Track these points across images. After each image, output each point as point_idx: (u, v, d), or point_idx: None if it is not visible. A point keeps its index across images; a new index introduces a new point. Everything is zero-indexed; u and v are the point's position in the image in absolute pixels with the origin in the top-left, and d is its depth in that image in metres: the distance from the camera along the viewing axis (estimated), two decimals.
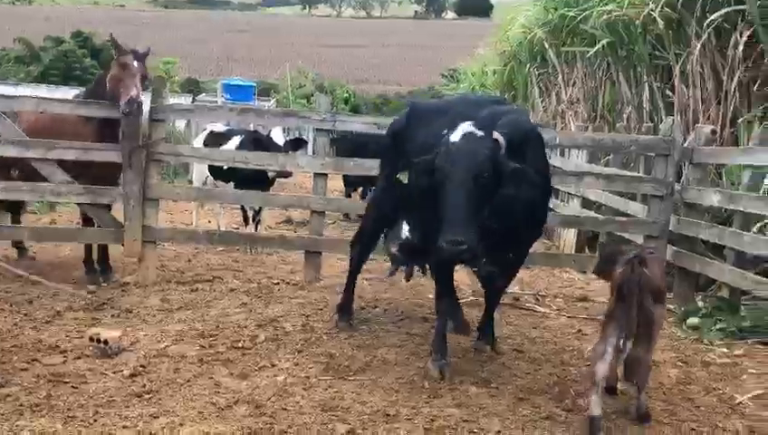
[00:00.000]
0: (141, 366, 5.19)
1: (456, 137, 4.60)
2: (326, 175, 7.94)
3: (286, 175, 10.05)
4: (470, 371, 5.35)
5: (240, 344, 5.80)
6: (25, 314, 6.32)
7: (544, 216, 5.53)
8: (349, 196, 13.60)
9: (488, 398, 4.93)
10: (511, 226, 4.91)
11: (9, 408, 4.48)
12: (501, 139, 4.60)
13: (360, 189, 13.96)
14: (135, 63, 7.10)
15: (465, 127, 4.64)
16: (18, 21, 72.35)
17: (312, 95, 39.98)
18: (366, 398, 4.84)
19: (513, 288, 7.52)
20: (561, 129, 13.96)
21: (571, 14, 13.33)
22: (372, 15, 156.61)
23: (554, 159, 11.30)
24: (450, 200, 4.45)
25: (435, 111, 5.66)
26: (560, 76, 15.03)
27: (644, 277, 4.34)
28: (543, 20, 15.07)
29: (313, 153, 8.44)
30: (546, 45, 14.99)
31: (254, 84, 34.91)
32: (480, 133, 4.62)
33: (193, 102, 26.67)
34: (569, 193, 10.83)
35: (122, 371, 5.10)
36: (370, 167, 8.15)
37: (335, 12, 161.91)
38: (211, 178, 10.26)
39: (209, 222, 11.66)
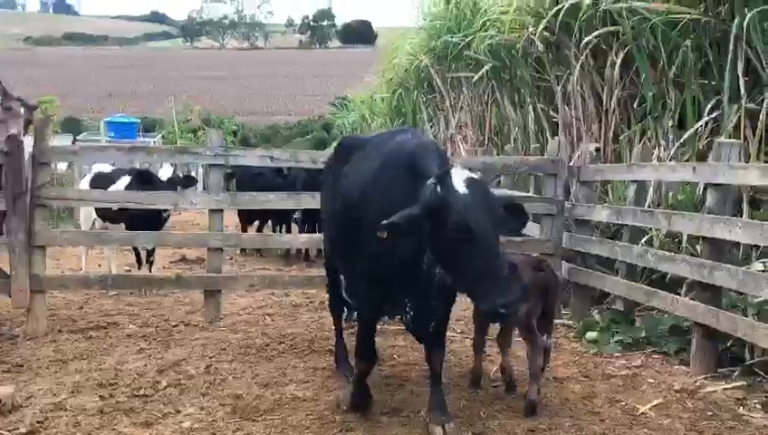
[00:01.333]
0: (38, 422, 4.96)
1: (460, 184, 3.96)
2: (221, 211, 7.85)
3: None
4: (380, 401, 5.35)
5: (142, 392, 5.62)
6: None
7: None
8: (245, 230, 13.44)
9: (400, 426, 4.95)
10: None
11: None
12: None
13: (257, 223, 13.84)
14: (21, 109, 6.95)
15: (461, 171, 4.06)
16: None
17: (199, 129, 39.47)
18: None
19: None
20: (452, 153, 14.25)
21: (454, 40, 13.69)
22: (257, 46, 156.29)
23: None
24: (486, 258, 3.87)
25: (359, 146, 5.40)
26: (447, 102, 15.36)
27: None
28: (428, 47, 15.41)
29: (204, 189, 8.32)
30: (432, 72, 15.33)
31: (138, 121, 34.24)
32: (478, 175, 4.15)
33: (74, 142, 25.92)
34: None
35: (18, 428, 4.86)
36: (265, 201, 8.12)
37: (218, 44, 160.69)
38: (99, 220, 9.96)
39: (99, 266, 11.30)
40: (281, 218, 13.23)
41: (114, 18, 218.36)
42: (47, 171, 7.63)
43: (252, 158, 8.29)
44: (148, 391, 5.64)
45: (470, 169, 4.16)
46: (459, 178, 3.97)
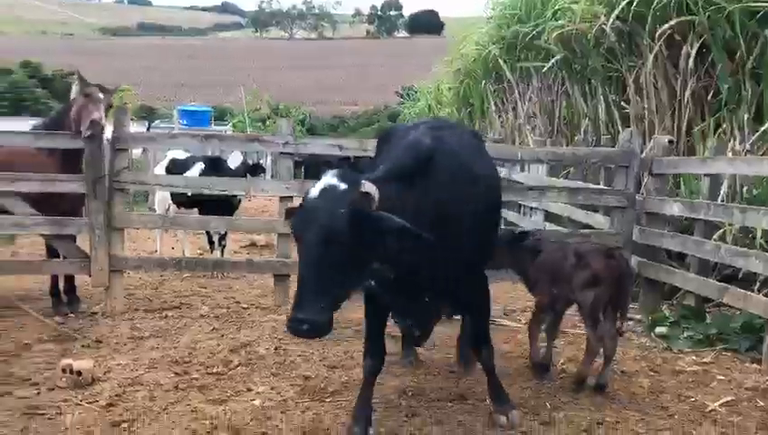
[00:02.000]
0: (116, 395, 5.16)
1: (313, 192, 3.78)
2: (291, 198, 7.97)
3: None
4: (446, 388, 5.40)
5: (214, 370, 5.79)
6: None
7: (480, 251, 4.77)
8: None
9: (465, 414, 4.99)
10: (434, 274, 4.29)
11: None
12: (373, 190, 3.76)
13: None
14: (100, 94, 7.11)
15: (327, 179, 3.80)
16: None
17: (268, 118, 39.94)
18: (344, 419, 4.85)
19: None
20: (520, 144, 14.16)
21: (524, 30, 13.57)
22: (324, 36, 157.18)
23: (516, 174, 11.48)
24: (300, 271, 3.72)
25: (384, 139, 5.23)
26: (516, 92, 15.25)
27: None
28: (497, 37, 15.30)
29: (272, 177, 8.40)
30: (501, 62, 15.22)
31: (210, 109, 34.76)
32: (342, 186, 3.74)
33: (148, 130, 26.48)
34: (531, 207, 10.99)
35: (98, 401, 5.06)
36: None
37: (287, 34, 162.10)
38: (173, 205, 10.21)
39: (173, 248, 11.59)
40: None
41: (186, 9, 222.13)
42: (125, 157, 7.86)
43: (320, 146, 8.39)
44: (221, 370, 5.80)
45: (349, 175, 3.83)
46: (318, 184, 3.80)
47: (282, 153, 7.97)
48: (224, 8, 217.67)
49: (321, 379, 5.61)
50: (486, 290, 4.86)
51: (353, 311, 7.68)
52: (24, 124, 8.64)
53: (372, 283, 4.03)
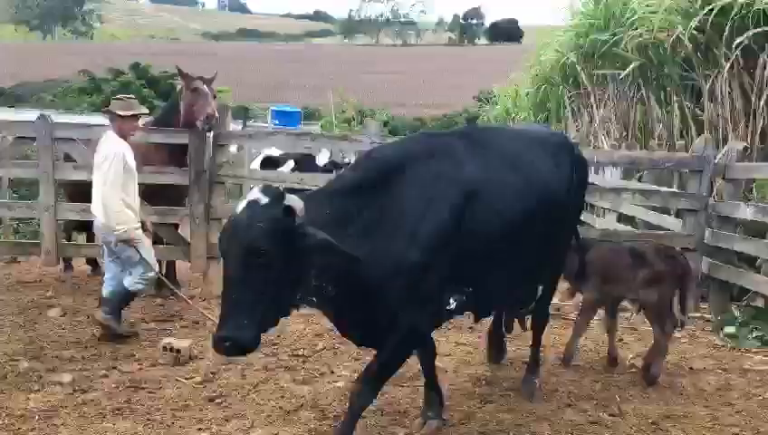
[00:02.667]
0: (211, 373, 5.29)
1: (238, 207, 3.54)
2: None
3: None
4: (519, 378, 5.35)
5: (301, 353, 5.88)
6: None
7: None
8: None
9: (537, 404, 4.94)
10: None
11: (93, 411, 4.62)
12: (297, 203, 3.46)
13: None
14: (205, 87, 7.24)
15: (253, 193, 3.55)
16: (81, 54, 73.95)
17: (353, 119, 40.21)
18: (420, 403, 4.86)
19: (555, 299, 7.49)
20: (594, 148, 13.90)
21: (602, 38, 13.31)
22: (408, 43, 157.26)
23: (590, 177, 11.26)
24: (223, 288, 3.48)
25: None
26: (592, 97, 14.98)
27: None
28: (575, 44, 15.06)
29: None
30: (578, 68, 14.96)
31: (300, 110, 35.21)
32: (265, 201, 3.47)
33: (244, 128, 27.01)
34: (603, 208, 10.77)
35: (194, 377, 5.20)
36: None
37: (374, 41, 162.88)
38: None
39: None
40: None
41: (282, 16, 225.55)
42: (225, 152, 8.04)
43: None
44: (307, 352, 5.88)
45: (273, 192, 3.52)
46: (244, 199, 3.56)
47: None
48: (316, 16, 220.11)
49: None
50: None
51: None
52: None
53: (314, 299, 3.68)
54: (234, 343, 3.37)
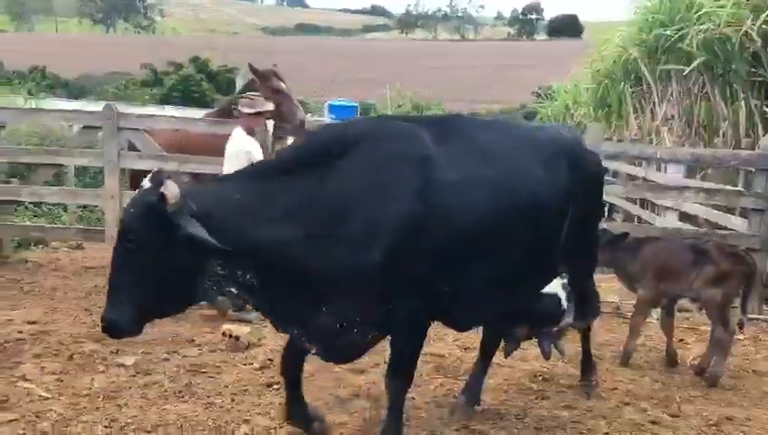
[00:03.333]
0: (269, 360, 5.37)
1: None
2: None
3: None
4: (576, 375, 5.30)
5: None
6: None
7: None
8: None
9: (594, 401, 4.90)
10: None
11: (155, 393, 4.74)
12: (171, 190, 3.33)
13: None
14: (284, 85, 7.24)
15: (145, 181, 3.49)
16: (143, 48, 75.52)
17: (409, 114, 40.21)
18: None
19: (613, 297, 7.41)
20: (656, 144, 13.67)
21: (667, 33, 13.08)
22: (467, 38, 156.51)
23: (651, 174, 11.08)
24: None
25: None
26: (654, 94, 14.73)
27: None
28: (638, 39, 14.83)
29: None
30: (641, 64, 14.74)
31: (357, 105, 35.33)
32: (146, 187, 3.43)
33: None
34: (665, 206, 10.58)
35: (253, 363, 5.29)
36: None
37: (431, 35, 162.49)
38: None
39: None
40: None
41: (338, 11, 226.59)
42: (284, 145, 8.14)
43: None
44: None
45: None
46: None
47: None
48: (373, 11, 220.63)
49: (454, 358, 5.64)
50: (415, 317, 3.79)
51: None
52: (197, 113, 9.08)
53: (234, 290, 3.51)
54: (110, 325, 3.45)
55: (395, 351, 3.91)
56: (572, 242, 4.29)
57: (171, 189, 3.29)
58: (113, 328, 3.47)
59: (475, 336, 6.17)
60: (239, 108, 6.50)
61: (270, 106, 6.72)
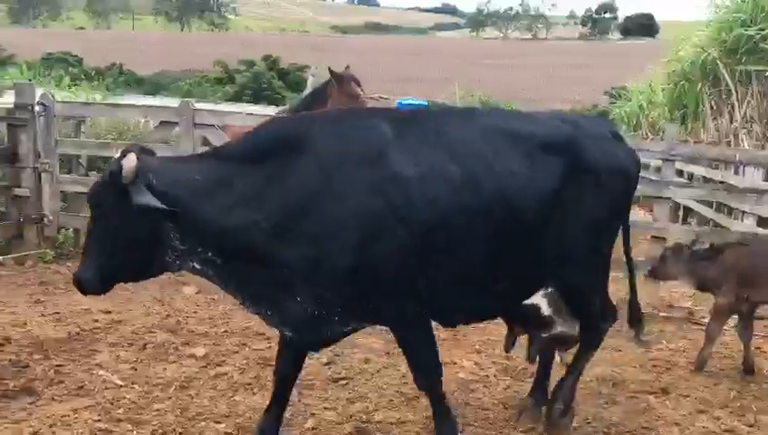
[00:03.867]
0: (336, 355, 5.41)
1: None
2: None
3: None
4: (648, 381, 5.20)
5: None
6: (234, 303, 6.70)
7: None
8: None
9: (667, 408, 4.79)
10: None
11: (225, 385, 4.84)
12: (128, 162, 3.45)
13: None
14: (361, 91, 7.01)
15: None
16: (216, 46, 77.02)
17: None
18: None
19: (687, 303, 7.24)
20: (734, 146, 13.28)
21: (748, 33, 12.69)
22: (538, 37, 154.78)
23: (729, 177, 10.77)
24: None
25: None
26: (733, 95, 14.30)
27: None
28: (717, 40, 14.42)
29: None
30: (720, 65, 14.33)
31: (426, 103, 35.35)
32: (115, 157, 3.62)
33: None
34: (743, 211, 10.26)
35: (320, 358, 5.33)
36: None
37: (502, 34, 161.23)
38: None
39: None
40: None
41: (408, 10, 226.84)
42: None
43: None
44: None
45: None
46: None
47: None
48: (443, 9, 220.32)
49: (521, 360, 5.57)
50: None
51: None
52: (269, 110, 9.20)
53: (197, 266, 3.60)
54: (79, 283, 3.67)
55: (403, 352, 3.95)
56: (573, 245, 3.97)
57: (129, 162, 3.45)
58: (81, 286, 3.69)
59: None
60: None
61: None
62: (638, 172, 4.35)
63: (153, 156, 3.68)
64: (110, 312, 6.25)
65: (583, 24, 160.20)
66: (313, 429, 4.33)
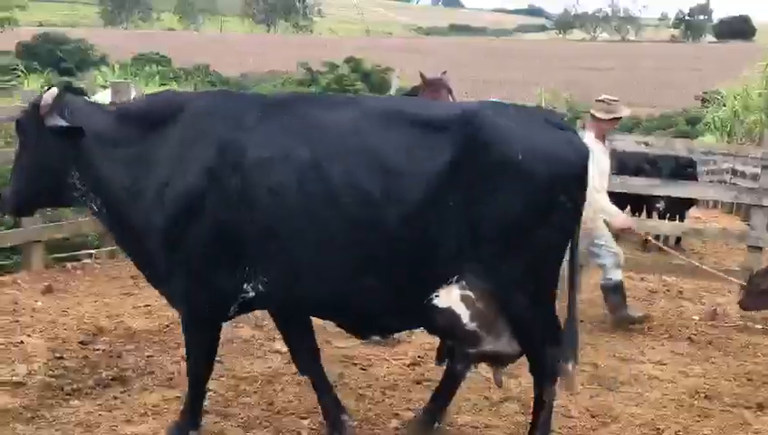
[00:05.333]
0: (419, 356, 5.43)
1: None
2: None
3: None
4: (743, 394, 5.03)
5: None
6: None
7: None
8: None
9: (764, 424, 4.62)
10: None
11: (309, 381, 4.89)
12: (48, 95, 3.88)
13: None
14: (453, 99, 6.67)
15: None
16: (300, 48, 78.15)
17: (564, 116, 39.37)
18: (633, 410, 4.74)
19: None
20: None
21: None
22: (627, 39, 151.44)
23: None
24: None
25: None
26: None
27: None
28: None
29: None
30: None
31: (509, 105, 35.04)
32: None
33: None
34: None
35: (403, 359, 5.37)
36: (634, 185, 7.90)
37: (589, 36, 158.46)
38: None
39: None
40: (639, 205, 12.69)
41: (493, 11, 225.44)
42: None
43: (627, 142, 8.10)
44: None
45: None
46: None
47: None
48: (529, 11, 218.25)
49: (610, 368, 5.48)
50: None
51: (645, 310, 7.39)
52: None
53: (94, 207, 3.99)
54: (1, 204, 4.21)
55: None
56: (486, 240, 3.58)
57: (47, 97, 3.88)
58: (1, 207, 4.28)
59: (633, 347, 6.01)
60: (592, 112, 6.37)
61: (626, 111, 6.61)
62: (581, 165, 3.71)
63: (79, 97, 4.16)
64: None
65: (675, 26, 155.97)
66: (396, 429, 4.34)
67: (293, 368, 5.07)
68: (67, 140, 3.82)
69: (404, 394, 4.78)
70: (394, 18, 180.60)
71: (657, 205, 11.63)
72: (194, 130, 3.72)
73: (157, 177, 3.72)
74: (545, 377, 3.87)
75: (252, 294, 3.74)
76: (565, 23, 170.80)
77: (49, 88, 4.07)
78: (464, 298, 3.66)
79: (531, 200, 3.58)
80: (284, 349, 5.38)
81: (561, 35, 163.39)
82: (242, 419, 4.33)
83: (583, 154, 3.74)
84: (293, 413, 4.42)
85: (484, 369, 5.23)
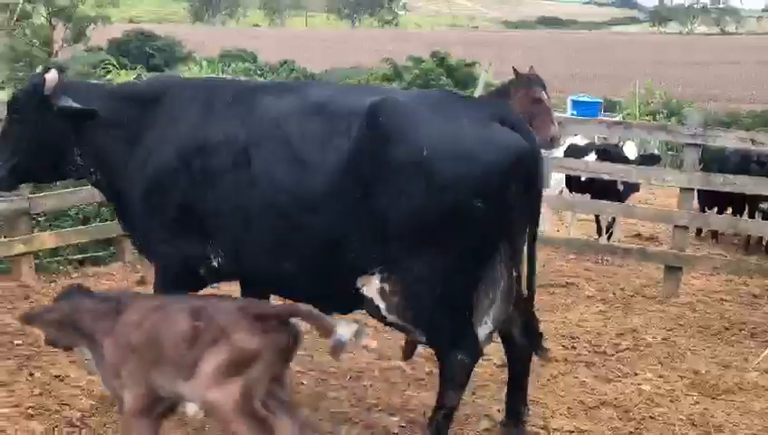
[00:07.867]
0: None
1: None
2: (692, 190, 7.60)
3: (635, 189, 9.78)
4: None
5: (601, 350, 5.77)
6: None
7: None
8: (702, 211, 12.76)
9: None
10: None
11: (397, 378, 5.11)
12: (51, 76, 4.15)
13: (716, 208, 12.99)
14: (546, 96, 6.62)
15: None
16: (385, 42, 78.48)
17: (659, 113, 38.27)
18: (737, 419, 4.60)
19: None
20: None
21: None
22: (726, 32, 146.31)
23: None
24: None
25: None
26: None
27: None
28: None
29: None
30: None
31: (600, 101, 34.29)
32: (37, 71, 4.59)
33: None
34: None
35: (492, 359, 5.30)
36: (741, 184, 7.62)
37: (686, 29, 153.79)
38: (566, 189, 10.27)
39: (558, 230, 11.67)
40: (742, 205, 12.24)
41: (584, 4, 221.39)
42: None
43: (731, 140, 7.79)
44: (608, 350, 5.76)
45: None
46: None
47: (687, 144, 7.56)
48: (622, 3, 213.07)
49: (712, 375, 5.31)
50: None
51: (748, 314, 7.14)
52: None
53: (94, 179, 4.37)
54: None
55: None
56: (393, 234, 3.60)
57: (51, 77, 4.15)
58: None
59: (736, 353, 5.81)
60: None
61: None
62: (503, 166, 3.57)
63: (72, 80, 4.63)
64: None
65: None
66: (487, 430, 4.32)
67: (381, 365, 5.13)
68: (75, 120, 4.14)
69: (494, 394, 4.74)
70: (480, 11, 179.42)
71: (762, 205, 11.19)
72: (171, 113, 4.10)
73: (141, 154, 4.10)
74: (447, 380, 3.87)
75: (215, 264, 4.04)
76: (660, 15, 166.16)
77: (46, 70, 4.34)
78: (380, 290, 3.79)
79: (436, 200, 3.53)
80: (372, 345, 5.45)
81: (655, 28, 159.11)
82: (332, 413, 4.38)
83: (508, 154, 3.59)
84: (383, 410, 4.44)
85: (577, 371, 5.18)
